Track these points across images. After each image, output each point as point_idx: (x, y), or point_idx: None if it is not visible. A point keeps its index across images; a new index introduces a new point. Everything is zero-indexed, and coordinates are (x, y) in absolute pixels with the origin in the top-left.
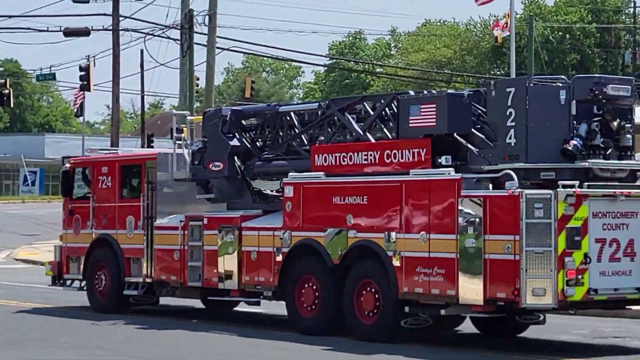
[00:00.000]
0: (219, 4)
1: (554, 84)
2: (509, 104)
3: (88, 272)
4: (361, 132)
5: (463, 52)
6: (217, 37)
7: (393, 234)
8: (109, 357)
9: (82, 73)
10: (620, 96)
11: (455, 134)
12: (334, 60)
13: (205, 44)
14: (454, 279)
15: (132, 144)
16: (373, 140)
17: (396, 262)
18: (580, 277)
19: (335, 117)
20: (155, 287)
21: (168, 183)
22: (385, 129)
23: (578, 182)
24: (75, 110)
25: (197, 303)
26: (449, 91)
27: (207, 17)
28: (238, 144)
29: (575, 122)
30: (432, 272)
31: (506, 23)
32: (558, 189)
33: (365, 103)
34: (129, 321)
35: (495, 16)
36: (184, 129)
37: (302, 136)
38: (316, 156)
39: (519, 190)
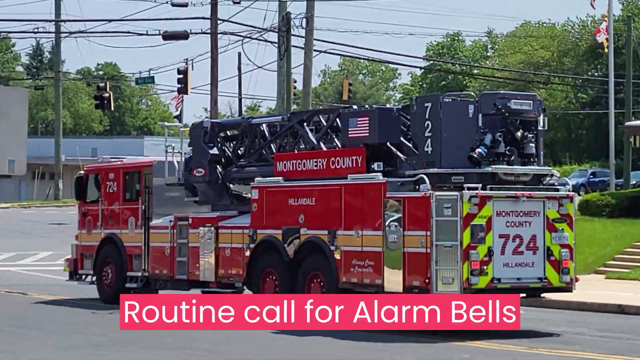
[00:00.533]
0: (316, 7)
1: (464, 100)
2: (427, 117)
3: (97, 267)
4: (315, 142)
5: (560, 53)
6: (314, 39)
7: (335, 231)
8: (211, 358)
9: (180, 76)
10: (523, 110)
11: (388, 143)
12: (431, 62)
13: (303, 46)
14: (381, 270)
15: None
16: (325, 149)
17: (337, 256)
18: (484, 267)
19: (296, 129)
20: (151, 280)
21: (163, 187)
22: (336, 139)
23: (481, 184)
24: (176, 113)
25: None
26: (380, 106)
27: (304, 19)
28: (217, 152)
29: (482, 132)
30: (364, 264)
31: (605, 18)
32: (463, 191)
33: (320, 116)
34: None
35: (592, 16)
36: None
37: (272, 145)
38: (278, 163)
39: (430, 192)
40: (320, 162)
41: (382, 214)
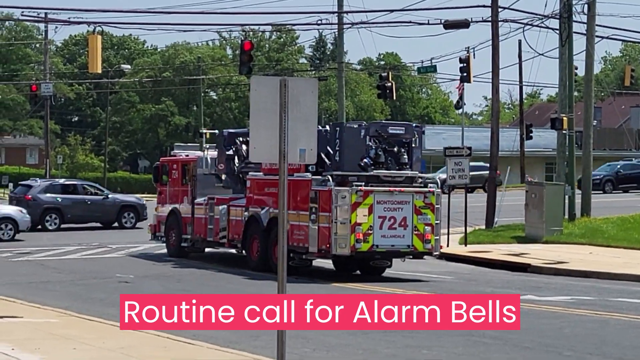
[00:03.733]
0: None
1: (358, 126)
2: (336, 137)
3: (166, 231)
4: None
5: None
6: (596, 25)
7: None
8: (497, 345)
9: (462, 65)
10: (397, 134)
11: (321, 153)
12: None
13: (584, 32)
14: (307, 238)
15: (511, 135)
16: None
17: (287, 227)
18: (367, 237)
19: None
20: (194, 241)
21: (204, 176)
22: None
23: (364, 182)
24: (456, 102)
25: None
26: None
27: (586, 5)
28: (232, 152)
29: (369, 148)
30: (299, 234)
31: None
32: (352, 187)
33: None
34: None
35: None
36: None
37: None
38: (262, 162)
39: (332, 187)
40: None
41: (308, 200)
